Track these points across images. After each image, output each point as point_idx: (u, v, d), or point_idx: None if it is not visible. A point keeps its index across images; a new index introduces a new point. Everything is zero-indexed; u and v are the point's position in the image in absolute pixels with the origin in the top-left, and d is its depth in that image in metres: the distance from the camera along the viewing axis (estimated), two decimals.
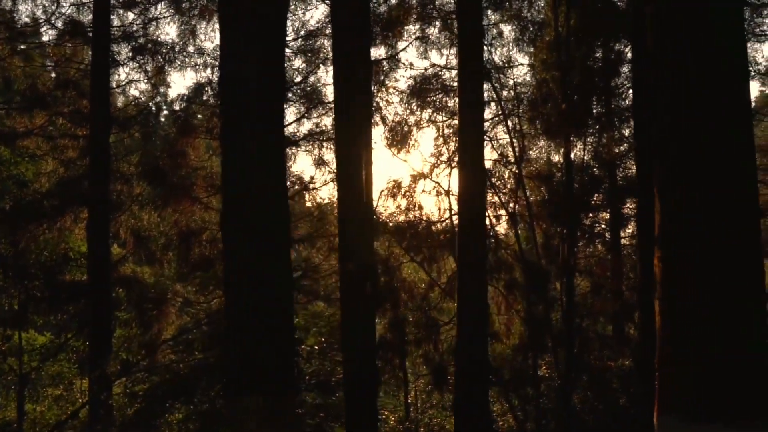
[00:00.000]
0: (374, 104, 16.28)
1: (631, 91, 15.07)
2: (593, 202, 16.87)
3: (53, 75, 14.55)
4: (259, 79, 5.31)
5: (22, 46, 15.12)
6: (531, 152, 17.51)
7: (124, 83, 15.28)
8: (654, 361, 3.94)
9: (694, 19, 3.71)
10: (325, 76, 19.95)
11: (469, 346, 9.81)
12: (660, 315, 3.87)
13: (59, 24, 14.35)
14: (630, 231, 17.66)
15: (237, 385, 5.14)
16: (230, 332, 5.31)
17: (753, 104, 18.12)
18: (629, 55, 14.97)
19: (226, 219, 5.39)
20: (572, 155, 16.02)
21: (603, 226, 17.69)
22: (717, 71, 3.66)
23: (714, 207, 3.68)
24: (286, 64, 16.23)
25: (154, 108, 16.14)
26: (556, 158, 16.97)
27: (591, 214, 17.04)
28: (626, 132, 16.41)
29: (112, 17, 13.90)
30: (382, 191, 16.67)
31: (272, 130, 5.37)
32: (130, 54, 14.41)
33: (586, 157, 16.40)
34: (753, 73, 17.46)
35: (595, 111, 16.26)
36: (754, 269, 3.73)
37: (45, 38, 15.27)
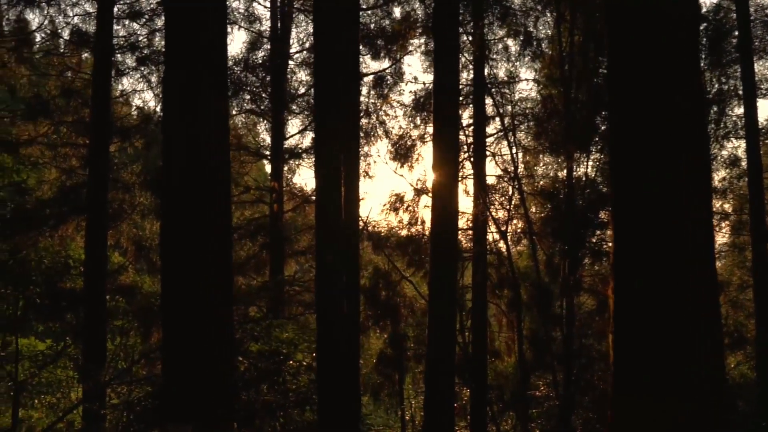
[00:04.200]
0: (378, 118, 16.24)
1: None
2: (600, 220, 16.60)
3: (58, 84, 14.68)
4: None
5: (30, 55, 15.29)
6: (537, 168, 17.34)
7: (128, 92, 15.40)
8: None
9: (646, 50, 3.56)
10: None
11: (437, 368, 9.61)
12: (613, 350, 3.68)
13: (65, 34, 14.51)
14: None
15: (170, 410, 5.02)
16: (166, 357, 5.19)
17: (764, 123, 17.71)
18: None
19: (164, 240, 5.28)
20: (579, 171, 15.80)
21: (610, 244, 17.40)
22: (670, 98, 3.50)
23: (667, 237, 3.51)
24: (289, 77, 16.32)
25: (159, 117, 16.19)
26: (562, 174, 16.78)
27: (598, 232, 16.77)
28: None
29: (117, 27, 14.03)
30: (384, 205, 16.61)
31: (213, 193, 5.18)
32: (134, 64, 14.51)
33: (592, 174, 16.17)
34: (765, 92, 17.10)
35: (602, 127, 16.04)
36: (710, 304, 3.54)
37: (51, 47, 15.42)
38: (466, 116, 15.80)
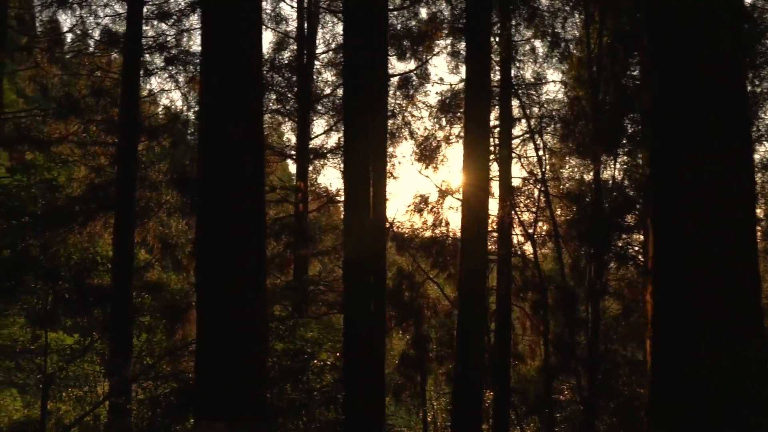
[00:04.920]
0: (402, 119, 16.23)
1: None
2: (626, 224, 16.40)
3: (88, 83, 14.89)
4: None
5: (62, 55, 15.55)
6: (563, 171, 17.18)
7: (156, 92, 15.57)
8: None
9: (691, 52, 3.50)
10: None
11: (466, 359, 9.52)
12: (650, 356, 3.62)
13: (96, 34, 14.73)
14: None
15: (203, 408, 5.06)
16: (199, 355, 5.24)
17: None
18: None
19: (200, 237, 5.33)
20: (605, 175, 15.63)
21: (636, 248, 17.21)
22: (712, 96, 3.44)
23: (709, 240, 3.43)
24: (315, 77, 16.38)
25: (186, 117, 16.38)
26: (588, 177, 16.61)
27: (624, 236, 16.58)
28: None
29: (146, 28, 14.19)
30: (408, 206, 16.59)
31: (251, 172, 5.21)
32: (163, 64, 14.67)
33: (619, 177, 15.99)
34: None
35: (630, 130, 15.85)
36: (753, 310, 3.45)
37: (82, 47, 15.66)
38: (492, 118, 15.70)
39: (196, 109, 16.69)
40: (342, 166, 16.30)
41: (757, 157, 15.88)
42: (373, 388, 7.55)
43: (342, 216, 19.34)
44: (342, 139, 16.43)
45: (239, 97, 5.10)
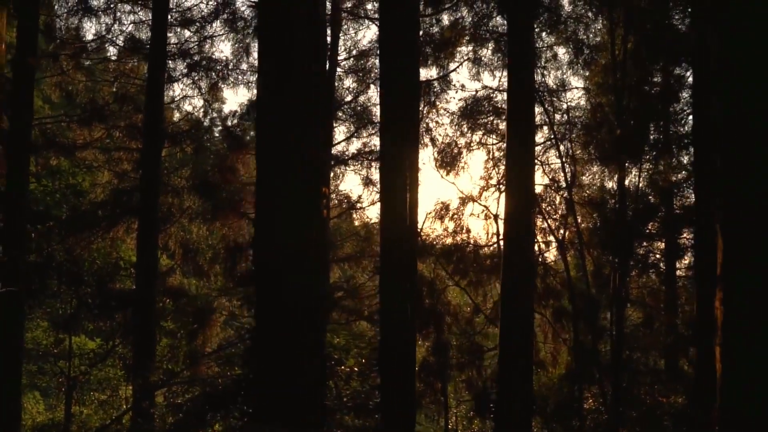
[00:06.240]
0: (424, 125, 16.20)
1: (691, 117, 14.53)
2: (648, 231, 16.29)
3: (113, 90, 15.01)
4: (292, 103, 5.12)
5: (87, 62, 15.69)
6: (584, 178, 17.09)
7: (178, 98, 15.64)
8: (710, 400, 3.61)
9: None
10: (375, 95, 20.01)
11: (511, 372, 9.42)
12: (721, 363, 3.58)
13: (120, 41, 14.85)
14: (687, 262, 17.05)
15: (263, 410, 5.05)
16: (259, 356, 5.24)
17: None
18: (690, 79, 14.47)
19: (259, 238, 5.33)
20: (627, 182, 15.53)
21: (657, 255, 17.08)
22: None
23: None
24: (336, 84, 16.40)
25: (207, 123, 16.45)
26: (610, 185, 16.52)
27: (645, 243, 16.47)
28: (684, 159, 15.88)
29: (169, 35, 14.28)
30: (429, 213, 16.55)
31: (307, 151, 5.21)
32: (185, 70, 14.76)
33: (641, 185, 15.88)
34: None
35: (652, 137, 15.76)
36: None
37: (107, 54, 15.80)
38: None
39: (213, 116, 16.76)
40: (364, 172, 16.38)
41: None
42: (406, 393, 7.54)
43: (362, 221, 19.39)
44: (364, 146, 16.48)
45: (295, 100, 5.10)
